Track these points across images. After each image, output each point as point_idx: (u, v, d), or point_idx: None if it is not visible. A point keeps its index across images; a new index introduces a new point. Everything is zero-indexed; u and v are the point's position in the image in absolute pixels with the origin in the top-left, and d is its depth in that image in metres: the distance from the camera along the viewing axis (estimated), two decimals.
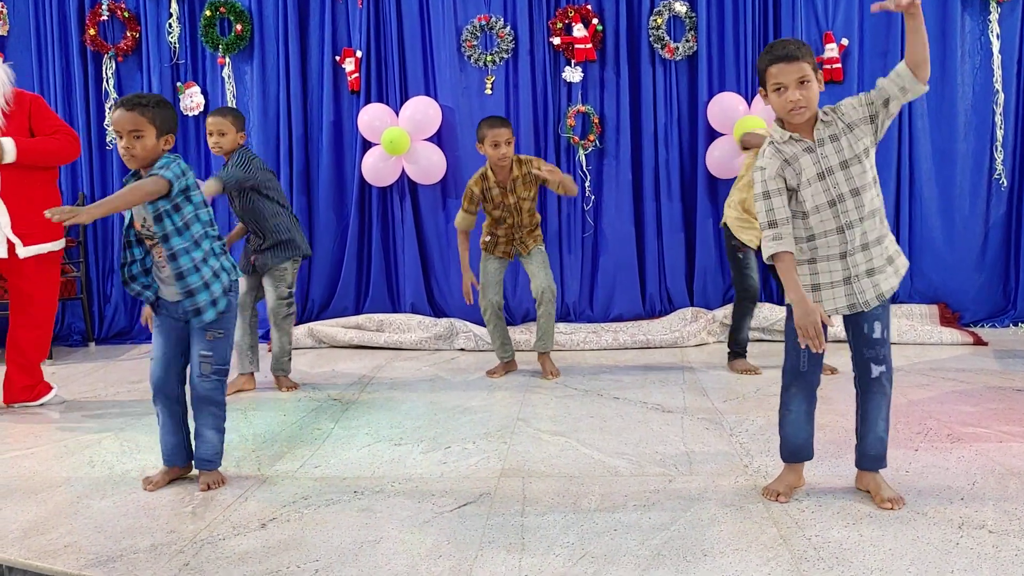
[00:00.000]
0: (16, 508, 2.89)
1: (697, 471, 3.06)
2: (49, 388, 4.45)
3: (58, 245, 4.35)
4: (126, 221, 3.01)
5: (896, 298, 5.77)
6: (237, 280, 3.11)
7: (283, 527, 2.65)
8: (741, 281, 4.58)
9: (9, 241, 4.16)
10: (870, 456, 2.75)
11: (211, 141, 4.40)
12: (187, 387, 3.11)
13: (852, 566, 2.25)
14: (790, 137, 2.64)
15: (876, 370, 2.68)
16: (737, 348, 4.69)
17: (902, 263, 2.74)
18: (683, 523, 2.58)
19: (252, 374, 4.61)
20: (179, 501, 2.91)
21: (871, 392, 2.71)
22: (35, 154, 4.17)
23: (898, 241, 5.66)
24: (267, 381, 4.68)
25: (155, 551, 2.50)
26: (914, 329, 5.31)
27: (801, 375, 2.73)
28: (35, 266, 4.27)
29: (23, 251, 4.20)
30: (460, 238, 4.69)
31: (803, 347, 2.62)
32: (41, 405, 4.37)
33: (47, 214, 2.67)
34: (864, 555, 2.31)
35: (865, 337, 2.69)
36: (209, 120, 4.42)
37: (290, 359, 4.63)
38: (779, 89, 2.59)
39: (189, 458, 3.15)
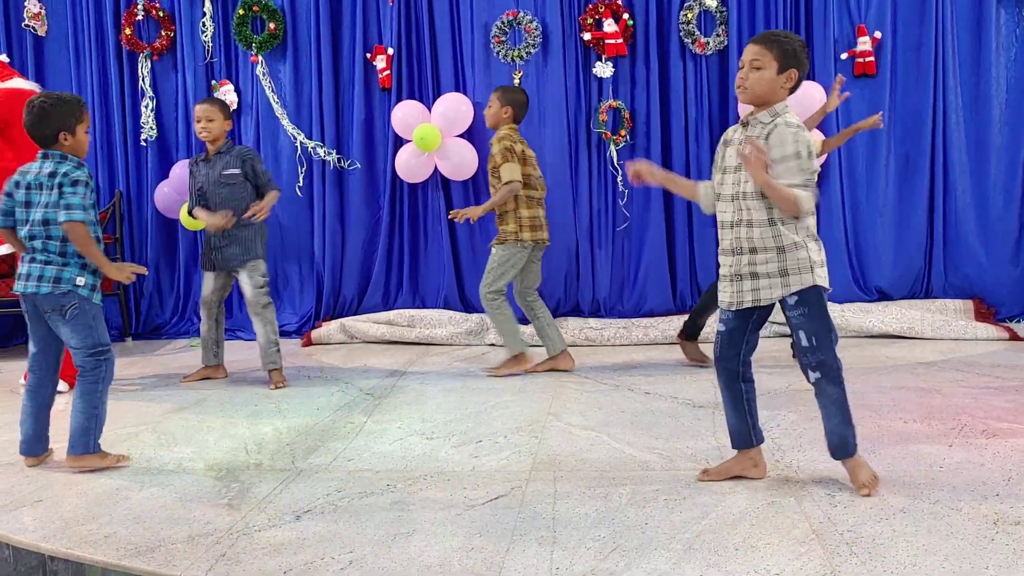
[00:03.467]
0: (57, 499, 2.95)
1: None
2: None
3: None
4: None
5: (930, 291, 5.72)
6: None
7: (317, 519, 2.69)
8: None
9: None
10: (831, 446, 2.78)
11: (199, 127, 4.55)
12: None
13: (885, 561, 2.24)
14: (740, 123, 2.79)
15: (812, 376, 2.73)
16: (695, 331, 4.73)
17: (801, 280, 2.68)
18: (714, 517, 2.58)
19: (218, 365, 4.79)
20: (215, 493, 2.96)
21: (816, 394, 2.76)
22: None
23: (931, 235, 5.64)
24: (291, 368, 4.75)
25: (192, 542, 2.54)
26: (948, 324, 5.26)
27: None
28: None
29: None
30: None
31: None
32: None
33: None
34: (897, 550, 2.30)
35: (797, 344, 2.77)
36: (198, 108, 4.56)
37: (278, 350, 4.63)
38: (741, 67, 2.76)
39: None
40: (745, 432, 2.87)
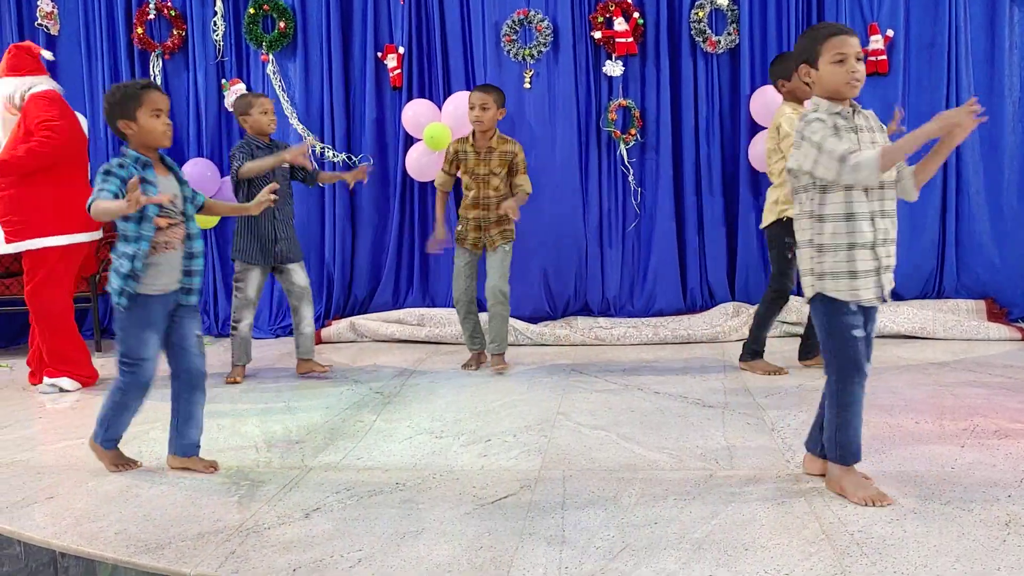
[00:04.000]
0: (68, 496, 2.97)
1: (738, 466, 3.05)
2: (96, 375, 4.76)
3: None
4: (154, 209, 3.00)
5: (943, 292, 5.69)
6: None
7: (327, 517, 2.69)
8: (781, 280, 4.43)
9: None
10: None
11: (269, 119, 4.65)
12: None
13: (896, 562, 2.23)
14: (838, 112, 2.62)
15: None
16: (758, 347, 4.55)
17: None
18: (724, 517, 2.57)
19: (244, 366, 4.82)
20: (225, 491, 2.97)
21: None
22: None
23: (944, 235, 5.63)
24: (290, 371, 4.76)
25: (202, 539, 2.55)
26: (960, 324, 5.23)
27: (860, 368, 2.64)
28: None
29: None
30: (438, 196, 4.84)
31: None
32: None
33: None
34: (908, 551, 2.29)
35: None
36: (265, 100, 4.69)
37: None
38: (841, 60, 2.58)
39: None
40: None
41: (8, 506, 2.89)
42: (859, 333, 2.63)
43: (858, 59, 2.59)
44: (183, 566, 2.38)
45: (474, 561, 2.34)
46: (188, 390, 3.16)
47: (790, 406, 3.80)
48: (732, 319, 5.53)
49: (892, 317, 5.30)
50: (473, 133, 4.68)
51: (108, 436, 3.20)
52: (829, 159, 2.52)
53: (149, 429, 3.77)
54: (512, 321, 5.65)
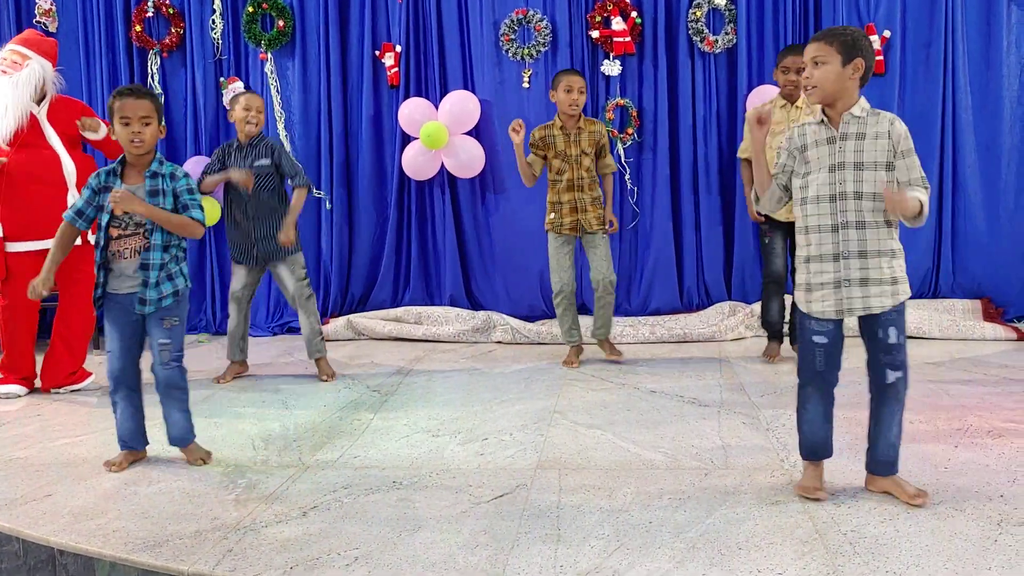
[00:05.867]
0: (67, 494, 2.98)
1: (733, 465, 3.07)
2: (89, 373, 4.68)
3: None
4: (105, 218, 3.14)
5: (939, 291, 5.70)
6: (189, 290, 3.29)
7: (324, 515, 2.71)
8: (766, 265, 4.70)
9: None
10: (882, 462, 2.72)
11: (250, 115, 4.60)
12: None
13: (888, 561, 2.25)
14: (820, 122, 2.67)
15: (892, 376, 2.65)
16: (769, 330, 4.77)
17: (904, 291, 2.67)
18: (718, 517, 2.59)
19: (243, 361, 4.80)
20: (222, 489, 2.98)
21: (886, 397, 2.68)
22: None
23: (940, 235, 5.63)
24: (297, 364, 4.77)
25: (199, 537, 2.57)
26: (956, 324, 5.25)
27: (818, 374, 2.70)
28: (87, 250, 4.53)
29: (93, 238, 4.52)
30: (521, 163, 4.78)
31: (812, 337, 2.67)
32: (79, 389, 4.60)
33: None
34: (900, 551, 2.31)
35: (880, 342, 2.66)
36: (249, 98, 4.64)
37: (323, 338, 4.78)
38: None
39: (145, 442, 3.33)
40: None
41: (7, 503, 2.90)
42: (820, 340, 2.67)
43: (815, 63, 2.64)
44: (180, 563, 2.40)
45: (470, 560, 2.36)
46: (158, 392, 3.26)
47: (785, 405, 3.82)
48: (728, 318, 5.54)
49: None
50: (557, 116, 4.72)
51: (118, 436, 3.28)
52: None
53: (147, 427, 3.78)
54: (509, 319, 5.68)
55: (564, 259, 4.75)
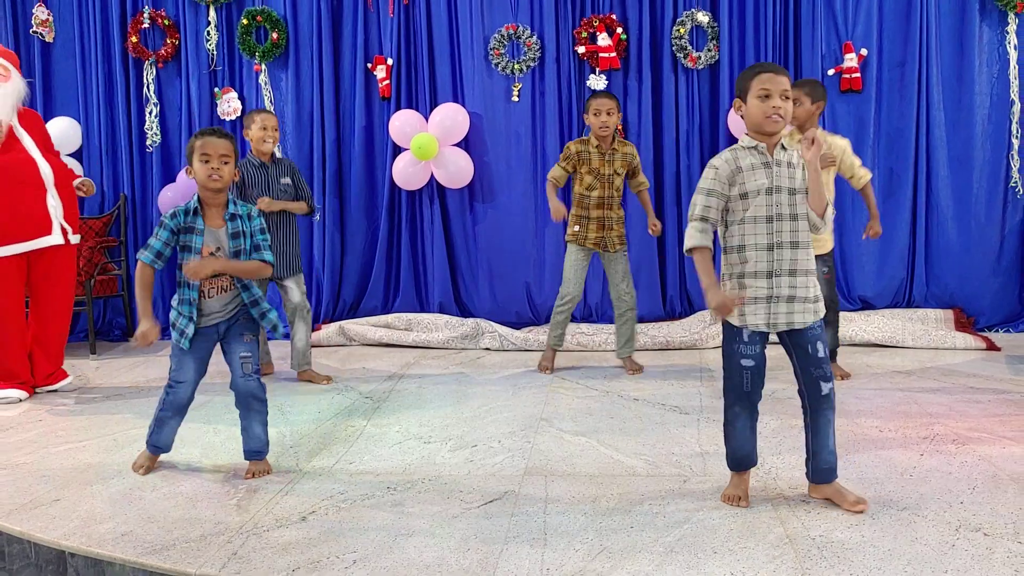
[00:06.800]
0: (74, 499, 3.11)
1: (711, 472, 3.22)
2: (65, 374, 4.90)
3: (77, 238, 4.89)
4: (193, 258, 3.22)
5: (912, 301, 5.90)
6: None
7: (322, 520, 2.85)
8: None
9: (62, 228, 4.71)
10: (824, 470, 2.87)
11: (265, 134, 4.76)
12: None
13: (852, 565, 2.41)
14: (755, 147, 2.81)
15: (825, 387, 2.82)
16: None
17: (821, 308, 2.85)
18: (696, 522, 2.75)
19: (268, 362, 5.09)
20: (224, 494, 3.12)
21: (822, 408, 2.83)
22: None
23: (914, 247, 5.83)
24: (291, 371, 4.94)
25: (204, 541, 2.70)
26: (928, 334, 5.43)
27: (745, 394, 2.86)
28: (70, 254, 4.81)
29: (74, 238, 4.78)
30: (549, 187, 4.90)
31: (735, 347, 2.83)
32: (56, 390, 4.82)
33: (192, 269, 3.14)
34: (864, 555, 2.47)
35: (810, 357, 2.81)
36: (264, 117, 4.80)
37: (311, 351, 5.02)
38: (767, 96, 2.75)
39: (169, 447, 3.46)
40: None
41: (17, 508, 3.03)
42: (747, 363, 2.82)
43: (785, 96, 2.75)
44: (188, 566, 2.53)
45: (462, 562, 2.50)
46: (238, 405, 3.42)
47: (761, 413, 3.96)
48: (709, 326, 5.71)
49: (863, 326, 5.50)
50: (594, 135, 4.83)
51: (153, 443, 3.44)
52: (692, 208, 2.85)
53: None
54: (496, 327, 5.82)
55: (581, 271, 4.90)
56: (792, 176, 2.79)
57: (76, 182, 4.81)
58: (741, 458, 2.92)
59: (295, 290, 4.85)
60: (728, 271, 2.87)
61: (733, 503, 2.88)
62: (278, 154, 4.94)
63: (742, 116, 2.84)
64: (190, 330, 3.25)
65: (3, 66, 4.65)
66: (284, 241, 4.84)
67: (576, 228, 4.88)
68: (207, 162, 3.19)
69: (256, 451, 3.37)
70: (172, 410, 3.35)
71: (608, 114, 4.73)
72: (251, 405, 3.35)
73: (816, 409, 2.84)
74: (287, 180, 4.85)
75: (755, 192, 2.76)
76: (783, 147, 2.81)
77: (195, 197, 3.26)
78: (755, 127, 2.79)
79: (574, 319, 6.10)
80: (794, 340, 2.83)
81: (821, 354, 2.81)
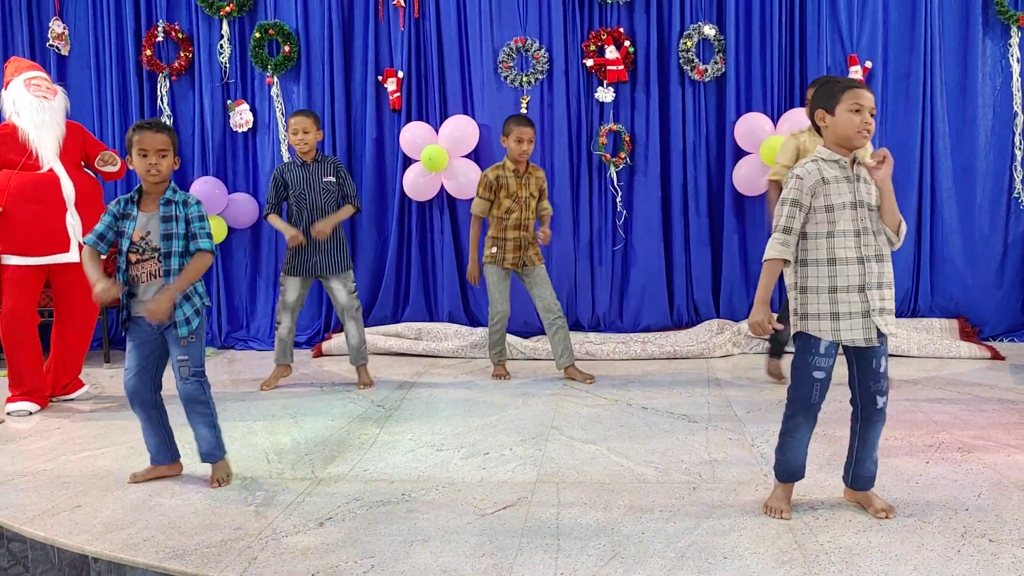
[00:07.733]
0: (95, 505, 3.17)
1: (720, 479, 3.28)
2: (81, 384, 4.98)
3: None
4: (125, 244, 3.31)
5: (917, 311, 5.95)
6: (205, 307, 3.46)
7: (339, 526, 2.91)
8: None
9: (80, 246, 4.69)
10: (865, 478, 2.92)
11: (297, 139, 4.89)
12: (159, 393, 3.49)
13: (860, 570, 2.46)
14: (837, 160, 2.82)
15: (881, 401, 2.86)
16: (775, 346, 4.85)
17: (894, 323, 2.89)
18: (705, 528, 2.81)
19: (288, 365, 5.10)
20: (242, 500, 3.18)
21: (874, 421, 2.88)
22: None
23: (918, 257, 5.88)
24: (303, 378, 4.97)
25: (224, 546, 2.76)
26: (933, 343, 5.48)
27: (812, 406, 2.87)
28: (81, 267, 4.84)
29: None
30: (474, 224, 5.10)
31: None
32: (72, 399, 4.90)
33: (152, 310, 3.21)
34: (871, 560, 2.53)
35: (873, 372, 2.84)
36: (295, 120, 4.90)
37: (367, 348, 5.13)
38: (858, 110, 2.76)
39: (173, 458, 3.51)
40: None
41: (40, 514, 3.09)
42: (819, 375, 2.83)
43: (872, 113, 2.78)
44: (210, 570, 2.59)
45: (476, 567, 2.56)
46: (184, 408, 3.43)
47: (769, 421, 4.03)
48: (717, 336, 5.77)
49: None
50: (507, 159, 5.00)
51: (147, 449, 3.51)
52: (776, 219, 2.84)
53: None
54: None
55: (505, 290, 5.09)
56: (869, 192, 2.81)
57: (98, 158, 4.82)
58: (794, 469, 2.93)
59: (341, 290, 4.95)
60: (803, 283, 2.84)
61: (775, 515, 2.88)
62: (322, 154, 5.00)
63: (824, 126, 2.83)
64: (123, 315, 3.35)
65: (47, 82, 4.73)
66: (333, 240, 4.94)
67: (494, 250, 5.04)
68: (145, 156, 3.27)
69: (208, 453, 3.43)
70: (129, 401, 3.41)
71: (529, 142, 4.93)
72: (192, 408, 3.41)
73: (868, 419, 2.88)
74: (330, 178, 4.94)
75: (840, 206, 2.77)
76: (857, 162, 2.83)
77: (137, 187, 3.36)
78: (843, 140, 2.80)
79: (582, 327, 6.17)
80: (860, 352, 2.85)
81: (882, 368, 2.84)
